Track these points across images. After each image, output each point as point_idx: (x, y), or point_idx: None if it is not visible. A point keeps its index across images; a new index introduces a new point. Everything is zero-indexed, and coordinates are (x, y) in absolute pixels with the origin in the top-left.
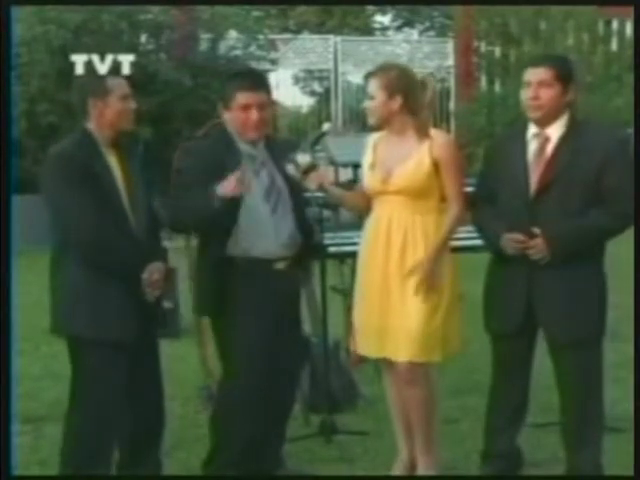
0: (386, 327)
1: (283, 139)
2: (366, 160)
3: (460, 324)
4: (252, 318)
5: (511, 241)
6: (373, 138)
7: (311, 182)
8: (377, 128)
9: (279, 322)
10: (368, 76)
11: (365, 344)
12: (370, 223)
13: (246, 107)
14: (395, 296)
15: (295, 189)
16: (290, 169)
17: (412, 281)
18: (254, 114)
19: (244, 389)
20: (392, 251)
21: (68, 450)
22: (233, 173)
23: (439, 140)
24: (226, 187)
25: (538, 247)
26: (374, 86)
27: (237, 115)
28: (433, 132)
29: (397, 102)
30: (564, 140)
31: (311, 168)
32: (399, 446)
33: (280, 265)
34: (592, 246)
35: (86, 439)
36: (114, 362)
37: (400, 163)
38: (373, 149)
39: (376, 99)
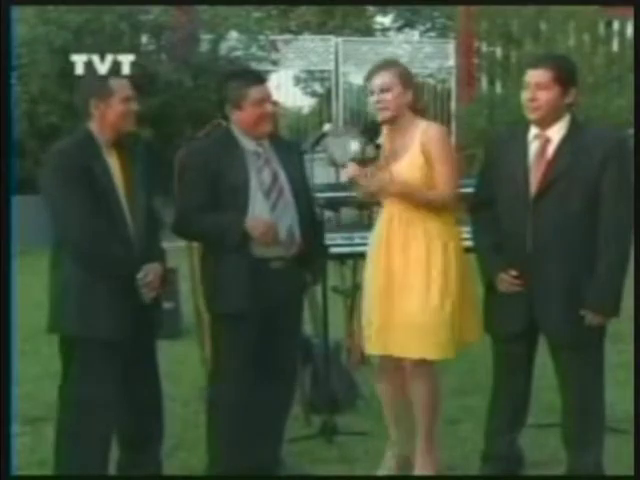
0: (391, 325)
1: (287, 139)
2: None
3: (477, 314)
4: (246, 317)
5: (506, 281)
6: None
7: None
8: (388, 123)
9: (275, 322)
10: (380, 69)
11: (372, 342)
12: (378, 222)
13: (261, 101)
14: (399, 293)
15: (298, 188)
16: (353, 148)
17: (415, 277)
18: (269, 107)
19: (234, 389)
20: (394, 248)
21: (60, 451)
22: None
23: (429, 132)
24: (256, 227)
25: (592, 320)
26: (391, 78)
27: (251, 111)
28: (425, 124)
29: (410, 95)
30: (565, 142)
31: (362, 160)
32: (391, 442)
33: (277, 265)
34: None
35: (77, 439)
36: (104, 362)
37: (398, 160)
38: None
39: (394, 91)
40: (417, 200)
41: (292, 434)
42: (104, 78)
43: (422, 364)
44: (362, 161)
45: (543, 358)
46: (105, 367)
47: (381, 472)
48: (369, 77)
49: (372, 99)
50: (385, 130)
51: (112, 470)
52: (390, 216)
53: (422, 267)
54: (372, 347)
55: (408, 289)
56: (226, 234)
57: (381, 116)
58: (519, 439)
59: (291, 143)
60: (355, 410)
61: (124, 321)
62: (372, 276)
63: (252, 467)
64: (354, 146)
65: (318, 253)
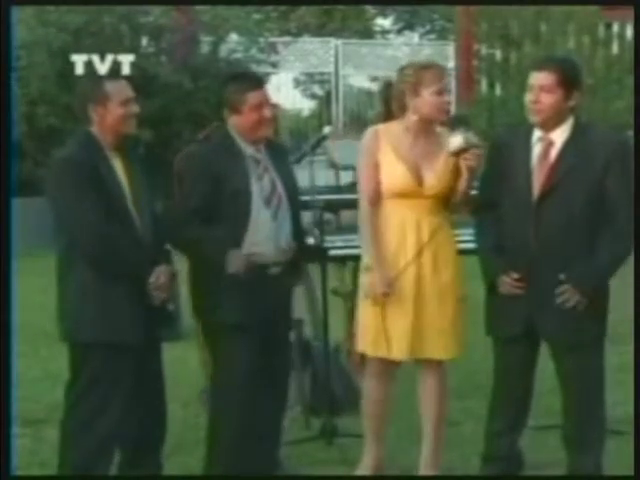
0: (421, 328)
1: (278, 142)
2: (385, 155)
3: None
4: (246, 325)
5: (507, 284)
6: (380, 130)
7: (469, 160)
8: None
9: (272, 326)
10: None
11: (397, 347)
12: (394, 225)
13: (259, 106)
14: (429, 297)
15: (292, 193)
16: (456, 141)
17: (445, 280)
18: (267, 111)
19: (236, 393)
20: (424, 254)
21: (68, 455)
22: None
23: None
24: (236, 264)
25: (567, 293)
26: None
27: (249, 116)
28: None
29: None
30: (568, 144)
31: (464, 150)
32: (368, 448)
33: (275, 270)
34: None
35: (89, 443)
36: (122, 365)
37: (430, 163)
38: (390, 143)
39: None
40: (466, 193)
41: (292, 436)
42: (100, 83)
43: (442, 363)
44: (468, 148)
45: (542, 360)
46: (119, 370)
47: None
48: (442, 76)
49: (445, 98)
50: (387, 127)
51: (112, 471)
52: (418, 220)
53: (449, 269)
54: (398, 352)
55: (439, 292)
56: (219, 255)
57: (445, 116)
58: (520, 441)
59: (282, 146)
60: (355, 412)
61: (141, 324)
62: (399, 282)
63: (251, 470)
64: (459, 137)
65: (305, 255)
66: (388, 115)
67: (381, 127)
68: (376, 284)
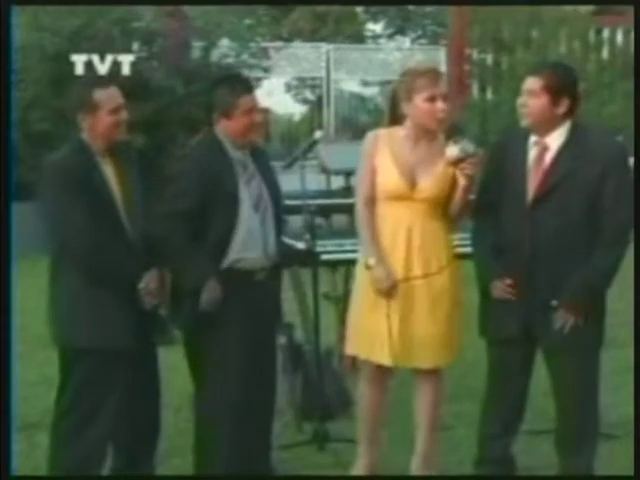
0: (411, 335)
1: (260, 147)
2: (383, 159)
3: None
4: (234, 330)
5: (500, 289)
6: (380, 135)
7: (466, 170)
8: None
9: (259, 332)
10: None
11: (394, 355)
12: (387, 226)
13: (250, 110)
14: (420, 303)
15: (276, 198)
16: (453, 151)
17: (437, 287)
18: (258, 116)
19: (226, 400)
20: (414, 258)
21: (57, 459)
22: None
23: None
24: (211, 295)
25: (562, 319)
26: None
27: (240, 120)
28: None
29: None
30: (563, 150)
31: (461, 160)
32: (362, 452)
33: (261, 276)
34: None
35: (80, 448)
36: (113, 370)
37: (427, 168)
38: (389, 147)
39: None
40: (465, 200)
41: (284, 441)
42: (89, 91)
43: (438, 370)
44: (465, 157)
45: (536, 364)
46: (111, 376)
47: None
48: (436, 82)
49: (438, 105)
50: (387, 132)
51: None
52: (410, 225)
53: (443, 274)
54: (395, 359)
55: (431, 298)
56: (196, 282)
57: (442, 124)
58: (514, 445)
59: (264, 150)
60: (347, 416)
61: (132, 329)
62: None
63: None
64: (455, 147)
65: (290, 258)
66: (394, 120)
67: (382, 131)
68: (382, 279)
